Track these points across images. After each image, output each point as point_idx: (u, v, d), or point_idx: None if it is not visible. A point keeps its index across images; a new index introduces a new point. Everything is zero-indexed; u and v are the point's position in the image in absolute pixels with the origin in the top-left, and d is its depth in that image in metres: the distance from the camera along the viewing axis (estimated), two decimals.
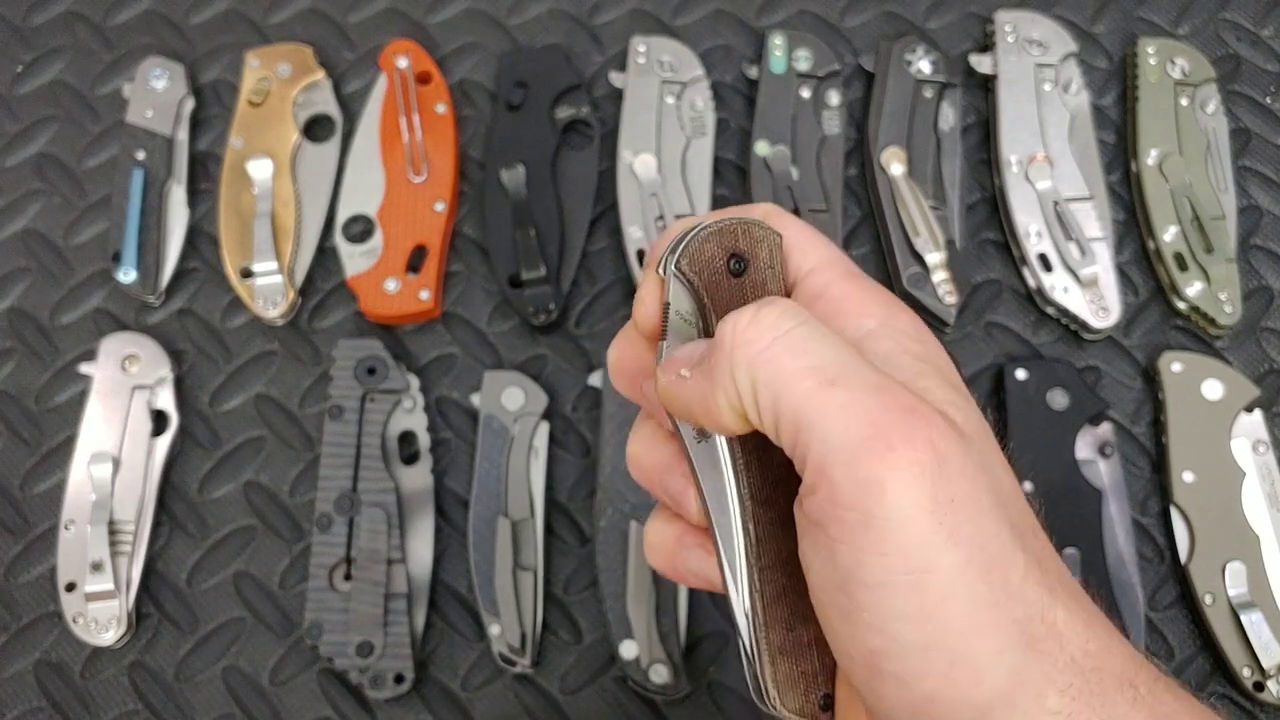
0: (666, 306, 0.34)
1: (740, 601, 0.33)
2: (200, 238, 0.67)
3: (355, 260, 0.65)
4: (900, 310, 0.34)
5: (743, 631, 0.33)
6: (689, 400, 0.32)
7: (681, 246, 0.33)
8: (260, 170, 0.66)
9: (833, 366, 0.29)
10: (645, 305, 0.34)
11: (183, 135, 0.69)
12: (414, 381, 0.62)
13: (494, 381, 0.61)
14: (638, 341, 0.36)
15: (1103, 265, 0.64)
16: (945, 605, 0.28)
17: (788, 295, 0.35)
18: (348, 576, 0.58)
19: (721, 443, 0.33)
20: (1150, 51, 0.69)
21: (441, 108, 0.68)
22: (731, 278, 0.33)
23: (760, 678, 0.33)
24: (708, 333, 0.33)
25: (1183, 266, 0.64)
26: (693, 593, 0.58)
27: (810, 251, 0.35)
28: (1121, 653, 0.30)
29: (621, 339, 0.36)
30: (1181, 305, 0.64)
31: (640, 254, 0.64)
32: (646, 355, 0.35)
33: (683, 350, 0.33)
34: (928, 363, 0.33)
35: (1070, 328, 0.64)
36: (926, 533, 0.28)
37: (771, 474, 0.33)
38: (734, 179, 0.68)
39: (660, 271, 0.34)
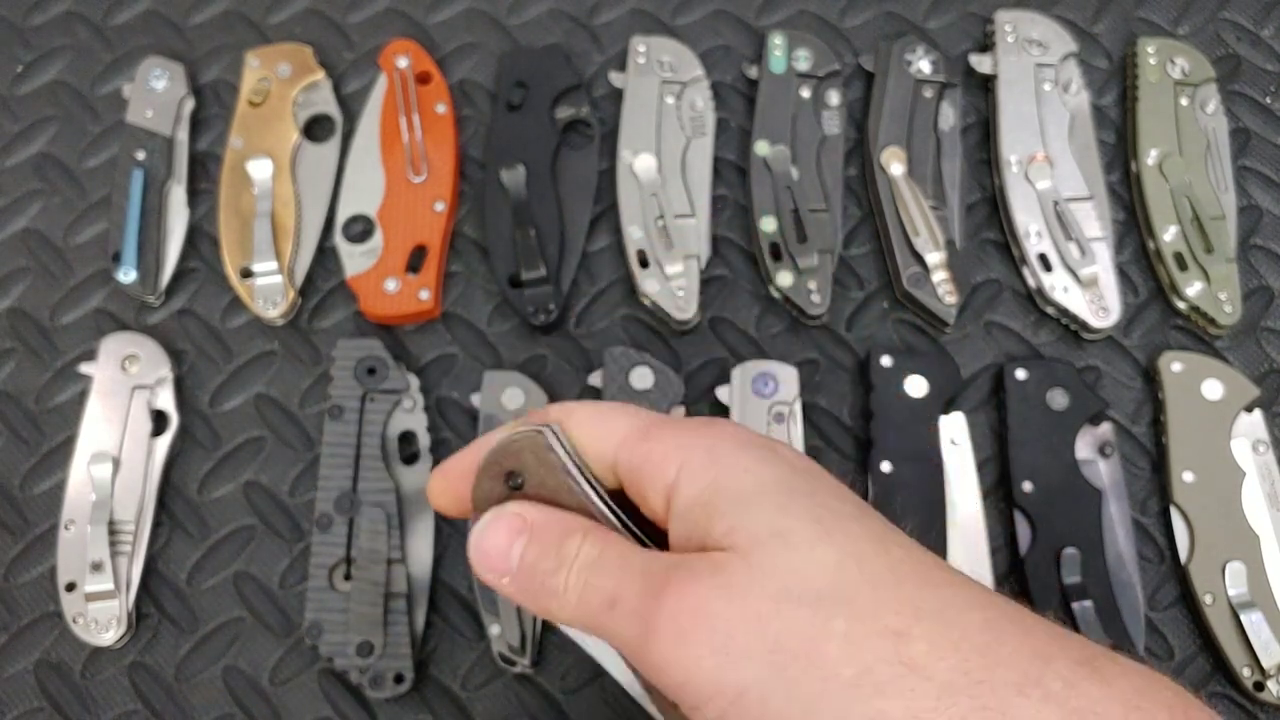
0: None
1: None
2: (200, 238, 0.67)
3: (355, 260, 0.65)
4: (695, 442, 0.35)
5: None
6: (520, 604, 0.37)
7: (475, 481, 0.37)
8: (260, 170, 0.66)
9: (612, 588, 0.34)
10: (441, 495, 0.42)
11: (183, 135, 0.69)
12: (414, 381, 0.62)
13: (494, 381, 0.61)
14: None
15: (1103, 265, 0.64)
16: (769, 704, 0.30)
17: (588, 469, 0.37)
18: (348, 576, 0.58)
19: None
20: (1150, 51, 0.69)
21: (441, 108, 0.68)
22: (514, 491, 0.37)
23: None
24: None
25: (1183, 266, 0.64)
26: None
27: (608, 432, 0.37)
28: (1024, 653, 0.30)
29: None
30: (1181, 305, 0.64)
31: (641, 254, 0.64)
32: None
33: (499, 547, 0.36)
34: (717, 481, 0.34)
35: (1070, 328, 0.64)
36: (721, 667, 0.31)
37: None
38: (734, 179, 0.68)
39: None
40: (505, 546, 0.36)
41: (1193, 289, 0.64)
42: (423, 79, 0.69)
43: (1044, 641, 0.31)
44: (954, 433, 0.61)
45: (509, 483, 0.37)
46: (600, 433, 0.37)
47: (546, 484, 0.36)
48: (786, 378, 0.62)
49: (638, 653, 0.33)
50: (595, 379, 0.62)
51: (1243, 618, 0.56)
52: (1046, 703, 0.29)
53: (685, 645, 0.32)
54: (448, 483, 0.41)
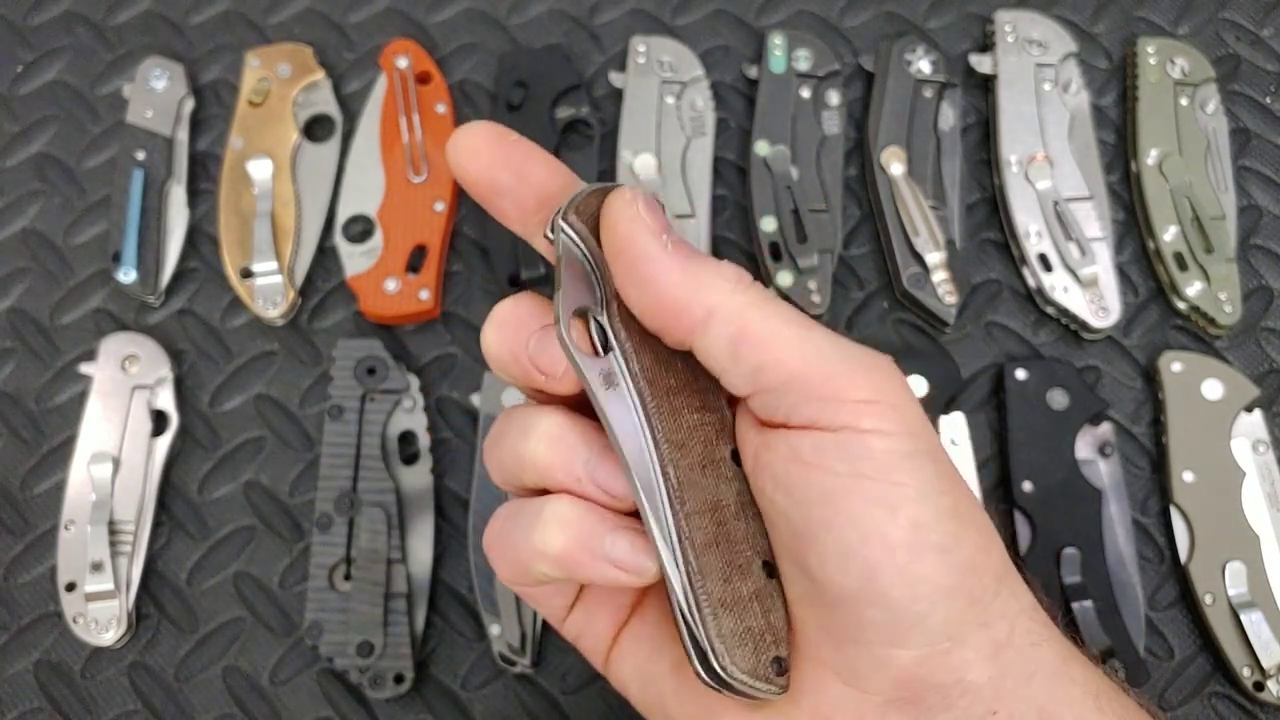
0: (559, 260, 0.34)
1: (671, 554, 0.32)
2: (200, 238, 0.67)
3: (355, 260, 0.65)
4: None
5: (677, 588, 0.32)
6: (661, 273, 0.31)
7: (568, 205, 0.33)
8: (260, 170, 0.66)
9: (805, 320, 0.32)
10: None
11: (183, 135, 0.69)
12: (414, 381, 0.62)
13: (494, 381, 0.62)
14: (523, 315, 0.35)
15: (1102, 265, 0.64)
16: (959, 483, 0.32)
17: None
18: (348, 576, 0.58)
19: (630, 388, 0.33)
20: (1150, 51, 0.69)
21: (441, 108, 0.68)
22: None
23: (704, 638, 0.32)
24: (599, 285, 0.34)
25: (1183, 266, 0.64)
26: None
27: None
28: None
29: (501, 322, 0.35)
30: (1181, 305, 0.64)
31: None
32: (535, 320, 0.34)
33: (662, 215, 0.32)
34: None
35: (1070, 328, 0.64)
36: (929, 423, 0.32)
37: (685, 421, 0.33)
38: (734, 179, 0.68)
39: (550, 232, 0.34)
40: (664, 220, 0.33)
41: (1193, 289, 0.64)
42: (423, 79, 0.69)
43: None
44: (954, 433, 0.61)
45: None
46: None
47: None
48: None
49: (855, 362, 0.32)
50: None
51: (1243, 618, 0.56)
52: (1094, 666, 0.34)
53: (907, 387, 0.32)
54: (509, 148, 0.34)
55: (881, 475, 0.30)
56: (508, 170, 0.34)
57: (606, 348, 0.34)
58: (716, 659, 0.32)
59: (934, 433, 0.32)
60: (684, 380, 0.33)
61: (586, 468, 0.33)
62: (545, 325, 0.34)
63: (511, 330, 0.35)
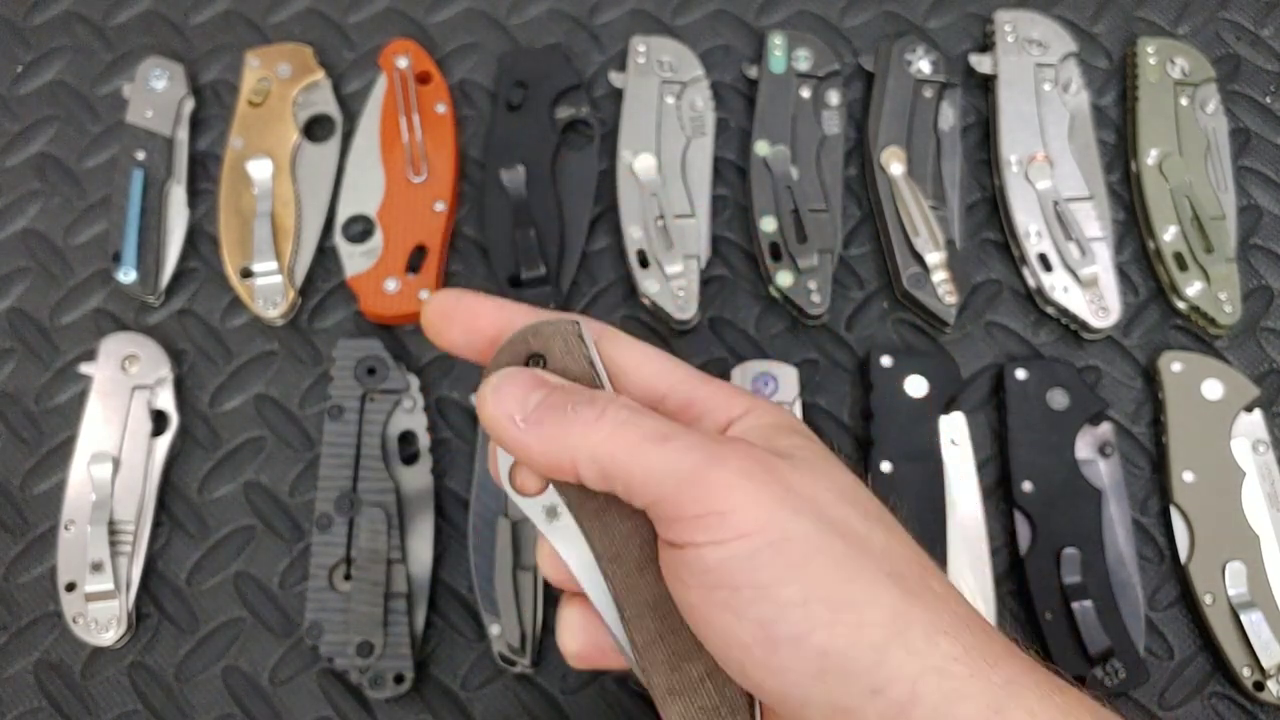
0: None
1: (627, 653, 0.36)
2: (200, 238, 0.67)
3: (355, 260, 0.65)
4: (758, 399, 0.39)
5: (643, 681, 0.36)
6: (521, 449, 0.35)
7: (494, 358, 0.37)
8: (260, 170, 0.66)
9: (663, 428, 0.34)
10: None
11: (183, 135, 0.69)
12: (414, 381, 0.62)
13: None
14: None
15: (1102, 265, 0.64)
16: (811, 561, 0.32)
17: (608, 376, 0.38)
18: (348, 576, 0.58)
19: (569, 517, 0.36)
20: (1150, 51, 0.69)
21: (441, 108, 0.68)
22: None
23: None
24: None
25: (1183, 266, 0.64)
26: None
27: (662, 368, 0.38)
28: (996, 631, 0.33)
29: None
30: (1181, 305, 0.64)
31: (641, 254, 0.64)
32: None
33: (517, 392, 0.36)
34: (787, 428, 0.37)
35: (1070, 327, 0.64)
36: (773, 509, 0.32)
37: (617, 533, 0.36)
38: (734, 179, 0.68)
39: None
40: (523, 392, 0.35)
41: (1193, 289, 0.64)
42: (423, 79, 0.69)
43: (1007, 639, 0.34)
44: (954, 433, 0.61)
45: (530, 363, 0.37)
46: (652, 365, 0.38)
47: (569, 372, 0.37)
48: (786, 378, 0.62)
49: (687, 478, 0.33)
50: None
51: (1243, 618, 0.56)
52: (1026, 669, 0.32)
53: (749, 478, 0.33)
54: (458, 309, 0.39)
55: (723, 583, 0.32)
56: (457, 330, 0.39)
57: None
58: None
59: (779, 517, 0.32)
60: (610, 495, 0.36)
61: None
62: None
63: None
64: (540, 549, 0.38)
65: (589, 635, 0.38)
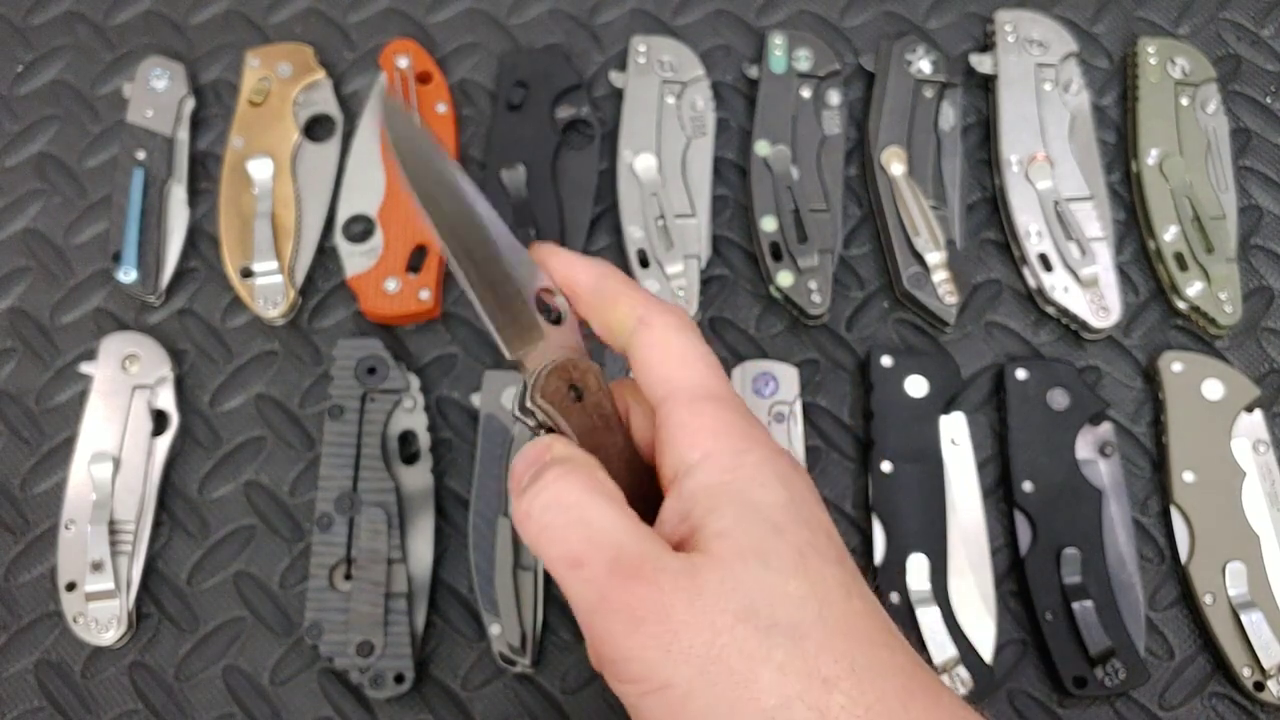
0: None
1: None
2: (200, 237, 0.67)
3: (355, 260, 0.65)
4: (727, 437, 0.37)
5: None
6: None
7: (532, 385, 0.38)
8: (260, 170, 0.66)
9: (578, 547, 0.35)
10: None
11: (183, 135, 0.69)
12: (414, 381, 0.62)
13: (494, 381, 0.61)
14: None
15: (1103, 265, 0.64)
16: (688, 707, 0.33)
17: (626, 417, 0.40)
18: (348, 576, 0.58)
19: None
20: (1150, 51, 0.69)
21: (442, 107, 0.68)
22: (575, 403, 0.38)
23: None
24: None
25: (1183, 266, 0.64)
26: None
27: (668, 375, 0.39)
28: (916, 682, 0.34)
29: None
30: (1182, 305, 0.64)
31: (641, 254, 0.64)
32: None
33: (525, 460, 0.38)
34: (731, 486, 0.36)
35: (1070, 328, 0.64)
36: (655, 661, 0.33)
37: None
38: (734, 179, 0.68)
39: (517, 413, 0.39)
40: (522, 471, 0.38)
41: (1193, 289, 0.64)
42: (423, 79, 0.69)
43: (947, 717, 0.34)
44: (954, 433, 0.61)
45: (572, 391, 0.39)
46: (665, 369, 0.39)
47: (601, 407, 0.39)
48: (787, 377, 0.62)
49: (585, 616, 0.35)
50: None
51: (1243, 618, 0.56)
52: None
53: (633, 633, 0.33)
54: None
55: (654, 687, 0.34)
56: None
57: None
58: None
59: (660, 669, 0.33)
60: None
61: None
62: None
63: None
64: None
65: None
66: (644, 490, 0.39)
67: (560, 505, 0.36)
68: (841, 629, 0.34)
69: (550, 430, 0.39)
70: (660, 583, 0.34)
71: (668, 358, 0.39)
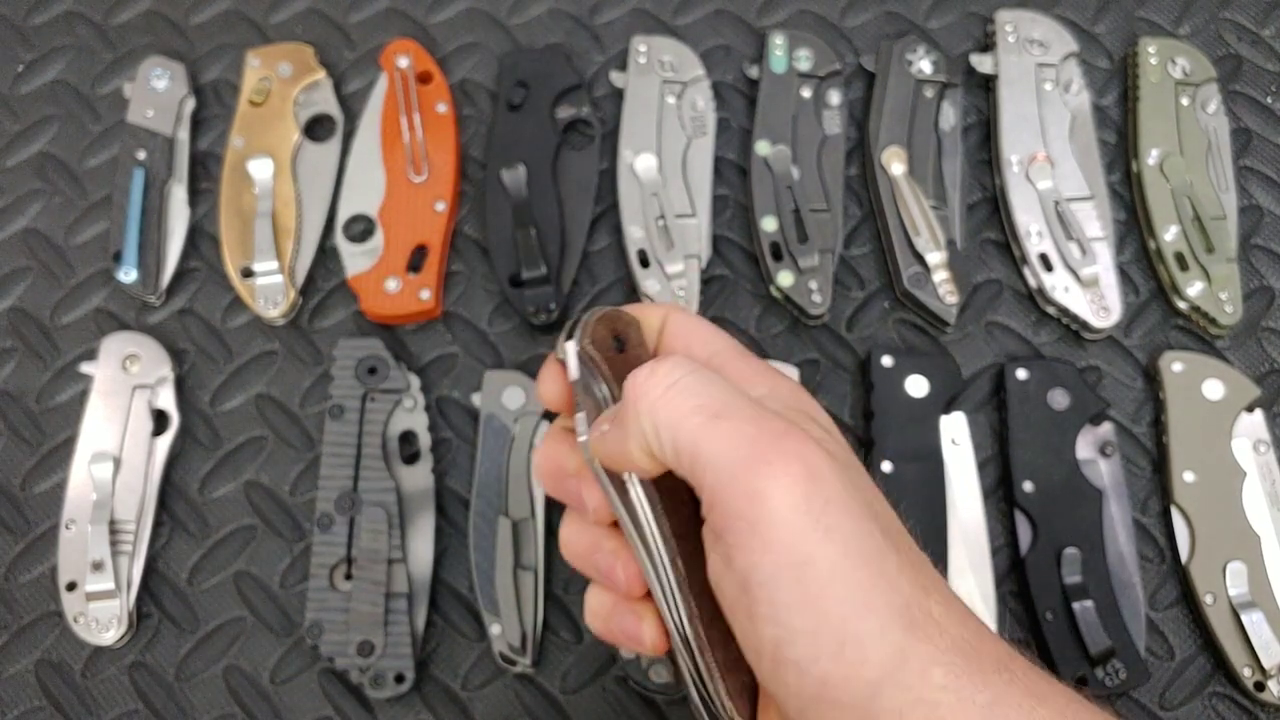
0: (574, 383, 0.40)
1: (680, 628, 0.37)
2: (201, 237, 0.67)
3: (356, 260, 0.65)
4: (782, 381, 0.40)
5: (686, 658, 0.38)
6: (610, 449, 0.37)
7: (578, 330, 0.40)
8: (261, 170, 0.66)
9: (717, 403, 0.35)
10: (547, 385, 0.42)
11: (183, 135, 0.69)
12: (415, 381, 0.62)
13: (495, 381, 0.61)
14: (561, 446, 0.41)
15: (1103, 265, 0.64)
16: (827, 592, 0.32)
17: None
18: (348, 576, 0.58)
19: (640, 495, 0.38)
20: (1151, 51, 0.69)
21: (442, 107, 0.68)
22: (618, 353, 0.40)
23: (715, 697, 0.37)
24: (612, 398, 0.39)
25: (1183, 266, 0.64)
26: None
27: (710, 340, 0.41)
28: (994, 642, 0.34)
29: (547, 445, 0.42)
30: (1182, 305, 0.64)
31: (641, 254, 0.64)
32: (568, 457, 0.41)
33: (605, 412, 0.38)
34: (805, 413, 0.38)
35: (1071, 327, 0.64)
36: (804, 530, 0.33)
37: (684, 513, 0.38)
38: (735, 179, 0.68)
39: (561, 355, 0.41)
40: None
41: (1193, 289, 0.64)
42: (423, 79, 0.69)
43: (1005, 648, 0.35)
44: (955, 433, 0.61)
45: (615, 340, 0.40)
46: (700, 333, 0.41)
47: (641, 359, 0.40)
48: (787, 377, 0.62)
49: (730, 471, 0.33)
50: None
51: (1243, 618, 0.56)
52: (1013, 685, 0.33)
53: (791, 486, 0.33)
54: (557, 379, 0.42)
55: (745, 589, 0.33)
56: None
57: None
58: (724, 711, 0.37)
59: (806, 540, 0.32)
60: (673, 485, 0.37)
61: (592, 562, 0.41)
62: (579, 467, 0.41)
63: (553, 478, 0.42)
64: (567, 519, 0.42)
65: (613, 615, 0.40)
66: None
67: (688, 365, 0.36)
68: (918, 559, 0.35)
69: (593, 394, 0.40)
70: (807, 444, 0.34)
71: (701, 326, 0.41)
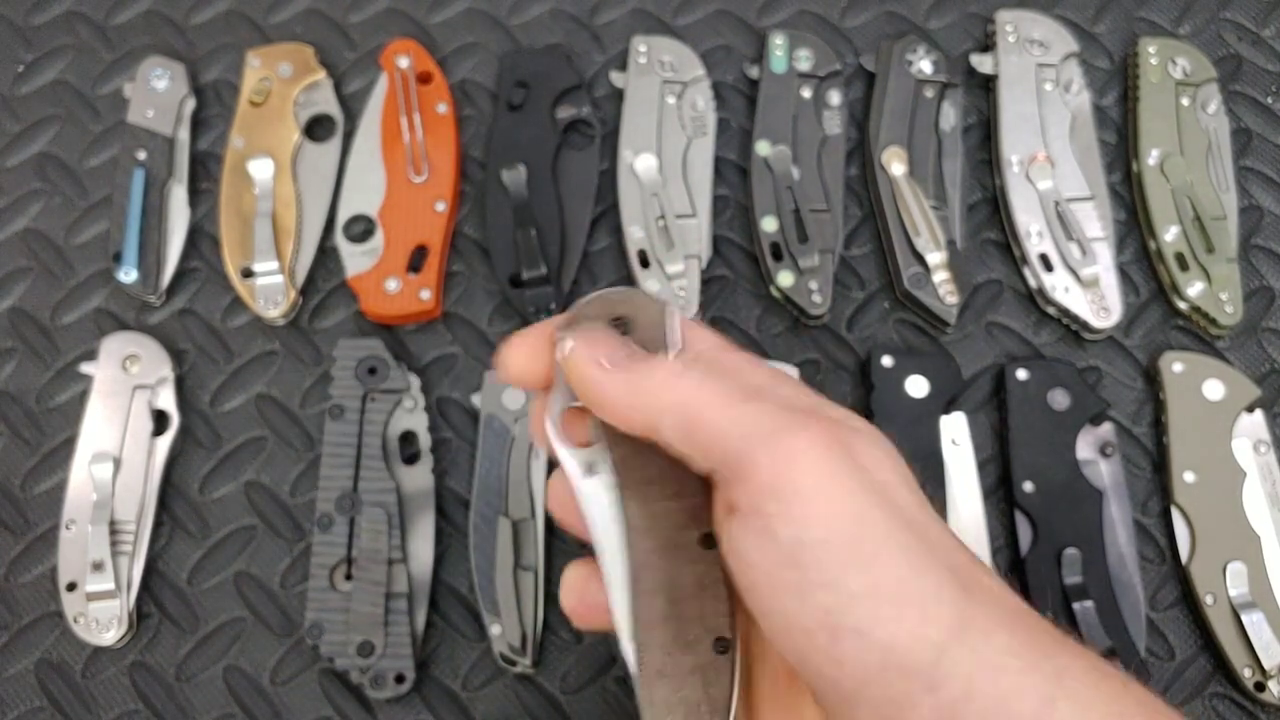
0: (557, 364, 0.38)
1: (621, 623, 0.36)
2: (201, 237, 0.67)
3: (356, 260, 0.65)
4: (787, 379, 0.38)
5: (626, 655, 0.36)
6: (604, 391, 0.35)
7: (575, 310, 0.38)
8: (261, 170, 0.66)
9: (749, 387, 0.34)
10: (520, 356, 0.39)
11: (184, 135, 0.69)
12: (415, 381, 0.62)
13: (494, 381, 0.61)
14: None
15: (1104, 265, 0.64)
16: (882, 552, 0.31)
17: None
18: (348, 576, 0.58)
19: (606, 478, 0.36)
20: (1151, 51, 0.69)
21: (442, 107, 0.68)
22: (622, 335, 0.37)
23: (641, 700, 0.35)
24: None
25: (1184, 266, 0.64)
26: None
27: (707, 336, 0.39)
28: (1043, 618, 0.33)
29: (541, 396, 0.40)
30: (1182, 305, 0.64)
31: (641, 254, 0.64)
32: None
33: (604, 340, 0.36)
34: (822, 402, 0.37)
35: (1071, 328, 0.64)
36: (854, 489, 0.32)
37: (656, 509, 0.36)
38: (735, 179, 0.68)
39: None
40: (612, 343, 0.36)
41: (1194, 289, 0.64)
42: (424, 79, 0.69)
43: (1054, 624, 0.33)
44: (955, 433, 0.61)
45: (615, 324, 0.38)
46: (704, 339, 0.39)
47: (650, 345, 0.37)
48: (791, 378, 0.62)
49: (765, 439, 0.32)
50: None
51: (1244, 618, 0.56)
52: (1075, 655, 0.32)
53: (828, 454, 0.32)
54: (538, 346, 0.39)
55: (791, 563, 0.31)
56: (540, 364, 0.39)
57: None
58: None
59: (855, 503, 0.31)
60: (661, 470, 0.36)
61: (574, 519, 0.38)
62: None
63: (563, 509, 0.39)
64: (553, 486, 0.39)
65: (588, 595, 0.38)
66: None
67: (716, 369, 0.35)
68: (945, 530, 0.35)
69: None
70: (837, 420, 0.34)
71: (699, 326, 0.40)
